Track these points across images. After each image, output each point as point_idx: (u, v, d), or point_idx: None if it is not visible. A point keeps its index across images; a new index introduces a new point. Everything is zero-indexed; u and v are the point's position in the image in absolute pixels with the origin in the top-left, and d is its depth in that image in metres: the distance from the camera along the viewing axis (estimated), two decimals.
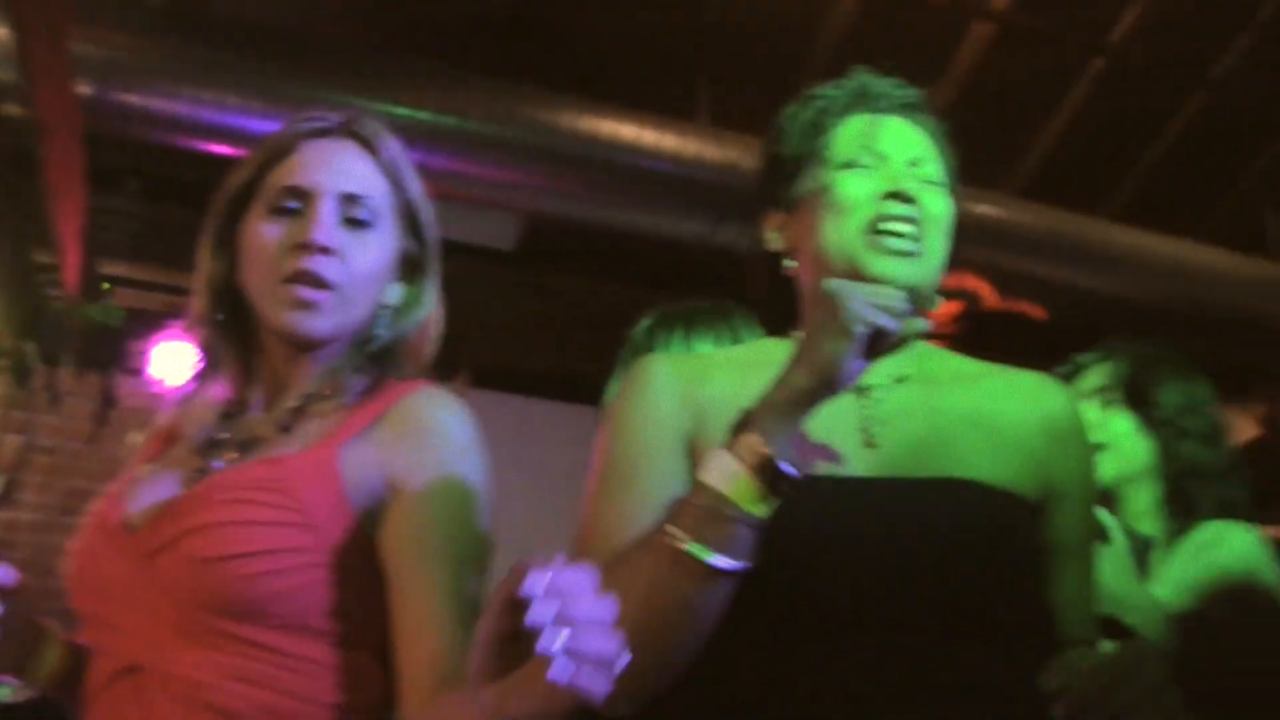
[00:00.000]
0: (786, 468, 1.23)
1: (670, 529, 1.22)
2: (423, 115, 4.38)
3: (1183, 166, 6.08)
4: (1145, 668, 1.18)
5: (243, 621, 1.36)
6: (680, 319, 2.23)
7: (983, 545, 1.32)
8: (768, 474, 1.22)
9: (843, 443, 1.40)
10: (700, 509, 1.23)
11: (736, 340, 2.13)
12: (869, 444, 1.40)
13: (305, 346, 1.53)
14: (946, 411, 1.45)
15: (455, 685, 1.35)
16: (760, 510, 1.22)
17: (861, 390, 1.44)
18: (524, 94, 4.61)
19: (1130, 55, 5.46)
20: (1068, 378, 2.40)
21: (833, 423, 1.39)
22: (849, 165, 1.50)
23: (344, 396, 1.53)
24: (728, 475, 1.23)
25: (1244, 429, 7.12)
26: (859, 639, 1.26)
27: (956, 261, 4.99)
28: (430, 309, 1.63)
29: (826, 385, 1.25)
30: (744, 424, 1.25)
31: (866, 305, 1.25)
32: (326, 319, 1.51)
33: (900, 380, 1.47)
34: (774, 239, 1.59)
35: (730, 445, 1.25)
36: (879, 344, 1.26)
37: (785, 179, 1.58)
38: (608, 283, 6.02)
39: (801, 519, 1.29)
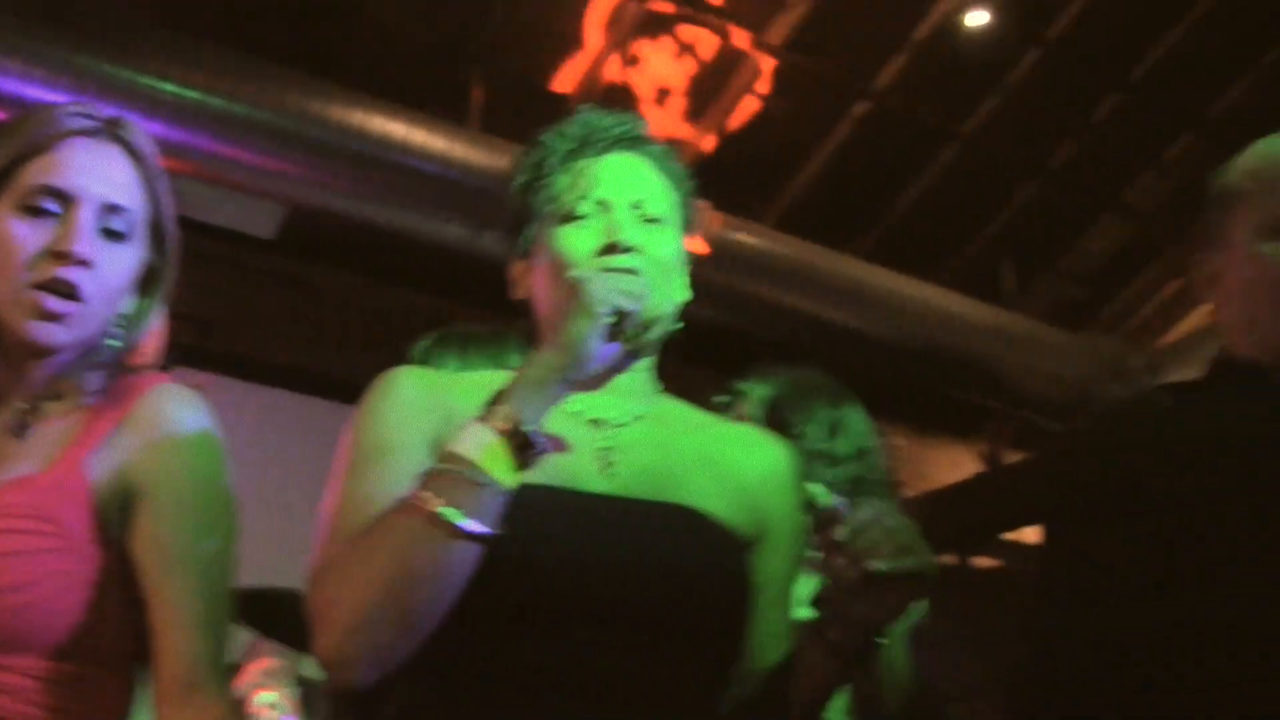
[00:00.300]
0: (536, 437, 1.29)
1: (422, 494, 1.25)
2: (190, 93, 4.24)
3: (931, 214, 6.39)
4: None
5: (7, 653, 1.34)
6: (457, 341, 2.27)
7: (704, 570, 1.40)
8: (517, 442, 1.28)
9: (582, 468, 1.44)
10: (451, 474, 1.26)
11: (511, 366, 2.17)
12: (606, 471, 1.45)
13: (39, 354, 1.48)
14: (678, 449, 1.51)
15: (202, 691, 1.39)
16: (508, 478, 1.27)
17: (599, 423, 1.49)
18: (295, 81, 4.53)
19: (891, 103, 5.71)
20: (728, 404, 2.49)
21: (572, 450, 1.44)
22: (569, 218, 1.51)
23: (77, 397, 1.49)
24: (479, 443, 1.27)
25: (967, 465, 7.51)
26: (574, 639, 1.32)
27: (714, 286, 5.11)
28: (158, 318, 1.61)
29: (574, 363, 1.32)
30: (496, 400, 1.31)
31: (610, 289, 1.33)
32: (69, 331, 1.46)
33: (637, 418, 1.52)
34: (516, 287, 1.61)
35: (482, 417, 1.29)
36: (621, 328, 1.34)
37: (519, 229, 1.60)
38: (367, 280, 5.95)
39: (540, 526, 1.34)
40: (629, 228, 1.49)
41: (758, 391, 2.45)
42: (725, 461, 1.53)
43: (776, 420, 2.40)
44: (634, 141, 1.59)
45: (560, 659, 1.32)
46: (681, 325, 1.57)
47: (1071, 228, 6.83)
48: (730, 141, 5.63)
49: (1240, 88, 6.13)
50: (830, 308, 5.63)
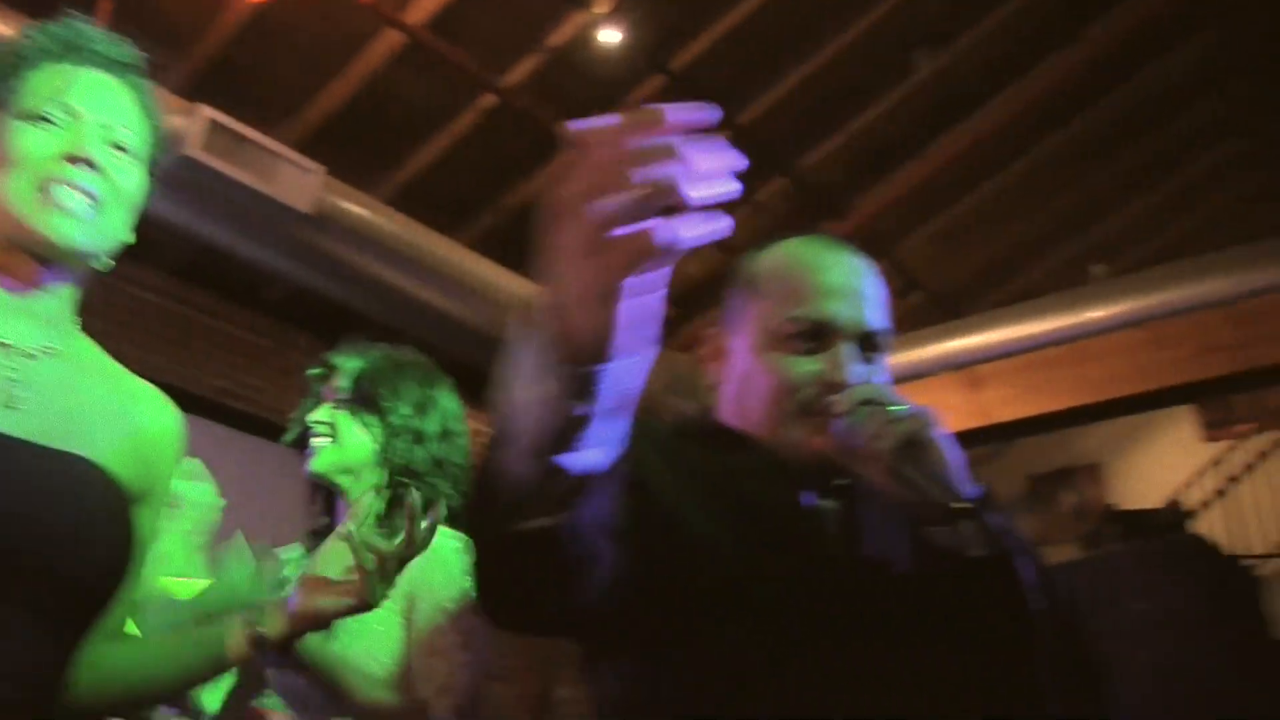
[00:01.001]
0: None
1: None
2: None
3: (536, 213, 6.56)
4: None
5: None
6: None
7: (92, 527, 1.42)
8: None
9: None
10: None
11: None
12: (10, 405, 1.42)
13: None
14: (86, 395, 1.50)
15: None
16: None
17: (7, 347, 1.46)
18: None
19: (517, 102, 5.84)
20: (321, 377, 2.55)
21: None
22: (35, 118, 1.47)
23: None
24: None
25: None
26: None
27: (317, 252, 5.04)
28: None
29: None
30: None
31: None
32: None
33: (50, 351, 1.49)
34: None
35: None
36: None
37: None
38: None
39: None
40: (95, 145, 1.47)
41: (349, 364, 2.49)
42: (127, 417, 1.54)
43: (365, 394, 2.44)
44: (123, 67, 1.57)
45: None
46: (110, 261, 1.54)
47: None
48: (354, 112, 5.62)
49: (833, 144, 6.71)
50: (429, 290, 5.71)
